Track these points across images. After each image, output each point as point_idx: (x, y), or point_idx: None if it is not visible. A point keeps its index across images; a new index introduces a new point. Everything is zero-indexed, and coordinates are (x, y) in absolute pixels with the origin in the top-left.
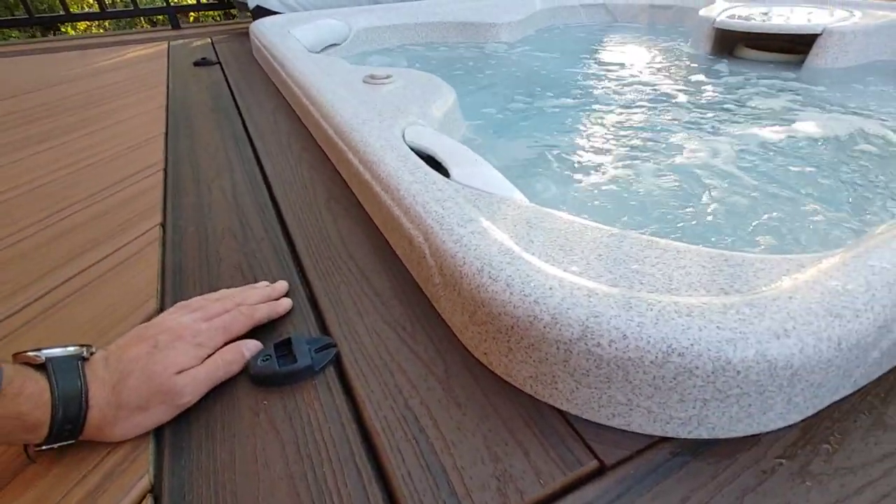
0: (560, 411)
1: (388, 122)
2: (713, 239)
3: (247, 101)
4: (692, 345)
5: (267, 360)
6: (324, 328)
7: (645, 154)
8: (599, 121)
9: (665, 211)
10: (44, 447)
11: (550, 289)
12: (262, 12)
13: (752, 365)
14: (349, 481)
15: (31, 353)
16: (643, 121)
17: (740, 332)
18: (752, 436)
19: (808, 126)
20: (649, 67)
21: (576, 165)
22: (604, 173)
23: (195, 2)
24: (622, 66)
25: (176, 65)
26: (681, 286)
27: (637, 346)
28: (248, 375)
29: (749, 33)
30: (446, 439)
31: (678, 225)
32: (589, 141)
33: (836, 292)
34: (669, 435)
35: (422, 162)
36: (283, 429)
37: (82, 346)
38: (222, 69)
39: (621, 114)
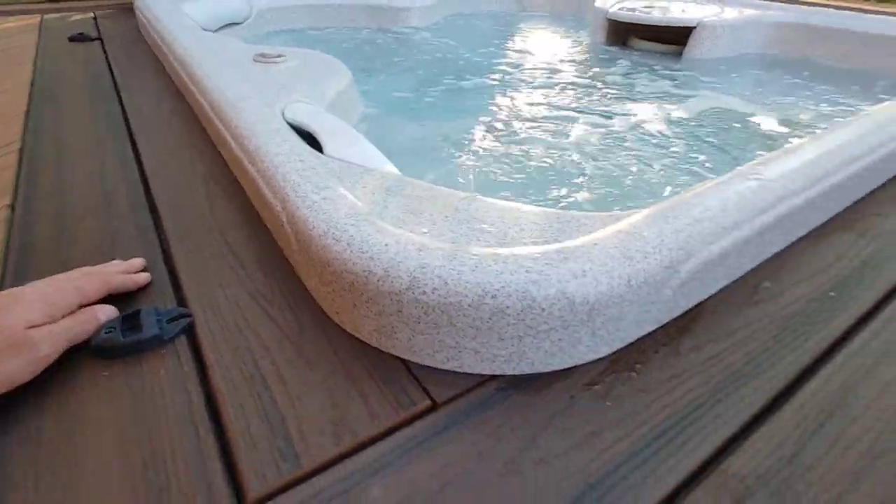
0: (403, 360)
1: (269, 99)
2: (584, 202)
3: (127, 81)
4: (502, 287)
5: (111, 331)
6: (182, 301)
7: (537, 133)
8: (500, 103)
9: (547, 180)
10: None
11: (385, 245)
12: None
13: (553, 302)
14: (185, 438)
15: None
16: (538, 103)
17: (545, 274)
18: (567, 368)
19: (679, 105)
20: (550, 55)
21: (474, 145)
22: (498, 150)
23: None
24: (525, 53)
25: (48, 40)
26: (513, 241)
27: (456, 292)
28: (90, 347)
29: (639, 25)
30: (290, 394)
31: (554, 192)
32: (487, 121)
33: (632, 238)
34: (497, 373)
35: (293, 136)
36: (122, 397)
37: None
38: (103, 46)
39: (520, 97)
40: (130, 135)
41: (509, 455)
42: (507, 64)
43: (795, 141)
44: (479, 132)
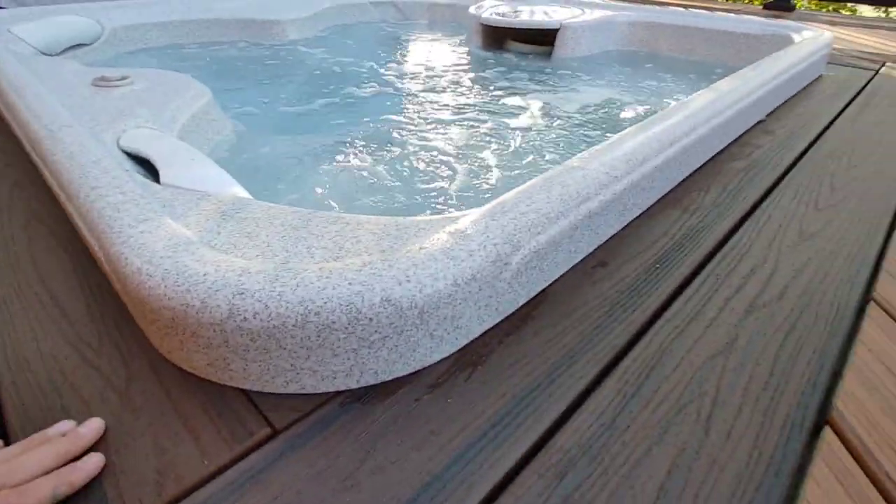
0: (242, 390)
1: (99, 127)
2: (454, 202)
3: None
4: (326, 303)
5: None
6: None
7: (413, 139)
8: (379, 113)
9: (420, 184)
10: None
11: (204, 274)
12: None
13: (380, 310)
14: None
15: None
16: (418, 110)
17: (368, 284)
18: (413, 373)
19: (549, 100)
20: (430, 61)
21: (349, 157)
22: (373, 159)
23: None
24: (406, 61)
25: None
26: (347, 254)
27: (278, 314)
28: None
29: (512, 28)
30: (109, 450)
31: (424, 196)
32: (366, 132)
33: (457, 238)
34: (341, 388)
35: (117, 167)
36: None
37: None
38: None
39: (401, 105)
40: None
41: (347, 470)
42: (389, 73)
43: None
44: (355, 143)
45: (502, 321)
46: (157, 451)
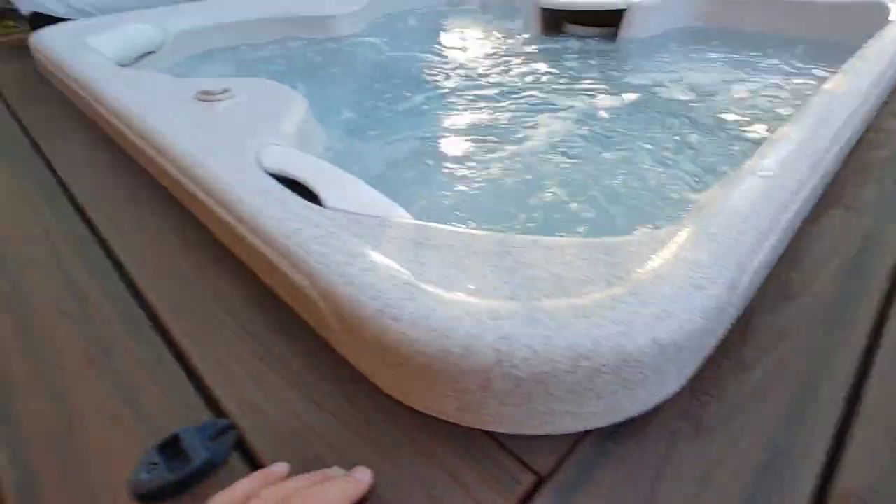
0: (489, 433)
1: (236, 146)
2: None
3: (49, 138)
4: (595, 346)
5: (153, 467)
6: (216, 408)
7: (498, 139)
8: (452, 110)
9: (525, 186)
10: None
11: (458, 319)
12: (41, 20)
13: (646, 351)
14: None
15: None
16: (492, 106)
17: (631, 323)
18: (654, 407)
19: (625, 89)
20: (490, 51)
21: (439, 160)
22: (465, 164)
23: None
24: (465, 50)
25: None
26: (571, 284)
27: (549, 360)
28: (131, 495)
29: (573, 10)
30: (381, 498)
31: (538, 198)
32: (445, 132)
33: (694, 265)
34: (590, 428)
35: (288, 193)
36: None
37: None
38: (3, 99)
39: (471, 101)
40: (77, 206)
41: None
42: (450, 64)
43: (737, 109)
44: (444, 144)
45: (717, 345)
46: (430, 499)
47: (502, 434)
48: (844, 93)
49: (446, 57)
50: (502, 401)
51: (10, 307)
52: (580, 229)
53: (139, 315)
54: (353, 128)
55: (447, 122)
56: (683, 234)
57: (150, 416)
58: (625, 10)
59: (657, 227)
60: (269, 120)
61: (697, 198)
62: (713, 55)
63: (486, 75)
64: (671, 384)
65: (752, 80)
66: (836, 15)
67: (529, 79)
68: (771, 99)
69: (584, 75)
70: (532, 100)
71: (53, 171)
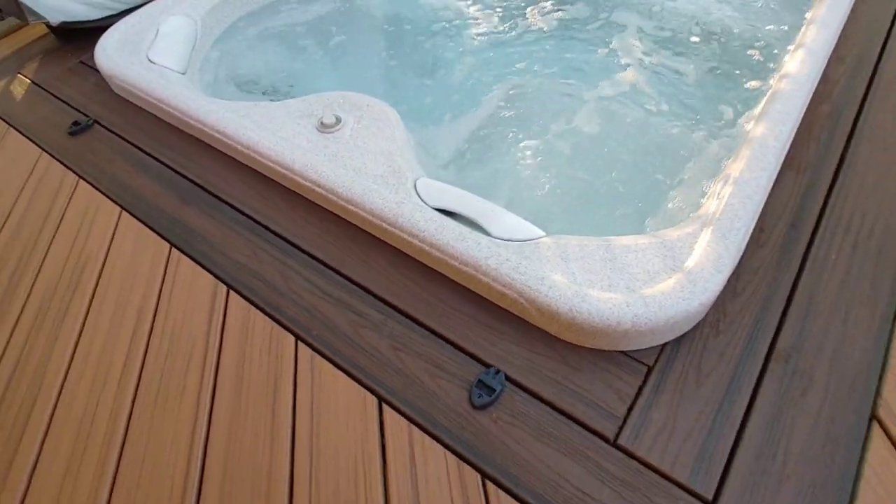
0: (621, 352)
1: (398, 182)
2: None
3: (214, 182)
4: (674, 312)
5: (481, 396)
6: (483, 362)
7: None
8: (482, 62)
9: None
10: None
11: (608, 307)
12: (67, 26)
13: (694, 309)
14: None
15: None
16: (507, 58)
17: (690, 298)
18: (693, 327)
19: (618, 12)
20: None
21: (495, 130)
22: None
23: None
24: None
25: (47, 144)
26: (654, 275)
27: (655, 322)
28: (473, 407)
29: None
30: (560, 384)
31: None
32: (488, 97)
33: (715, 258)
34: (666, 341)
35: (466, 230)
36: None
37: None
38: (124, 136)
39: (486, 48)
40: (283, 238)
41: (697, 378)
42: (462, 3)
43: None
44: (485, 108)
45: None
46: (607, 387)
47: (628, 350)
48: (805, 77)
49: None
50: (633, 338)
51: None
52: None
53: (385, 309)
54: (406, 103)
55: (479, 87)
56: (707, 235)
57: (454, 372)
58: None
59: (683, 227)
60: (387, 142)
61: (706, 204)
62: None
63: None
64: (702, 315)
65: None
66: None
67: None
68: None
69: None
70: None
71: (257, 222)
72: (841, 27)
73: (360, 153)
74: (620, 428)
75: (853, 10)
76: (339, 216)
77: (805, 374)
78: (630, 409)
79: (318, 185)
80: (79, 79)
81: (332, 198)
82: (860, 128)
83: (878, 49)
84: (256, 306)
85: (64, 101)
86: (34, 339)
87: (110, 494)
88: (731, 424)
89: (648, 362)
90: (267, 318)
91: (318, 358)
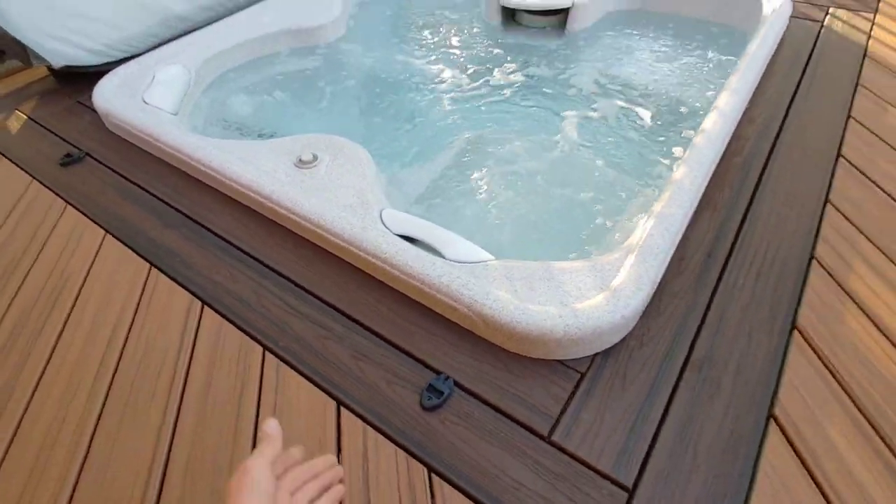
0: (557, 360)
1: (365, 212)
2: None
3: (199, 211)
4: (601, 322)
5: (430, 399)
6: (434, 370)
7: (488, 148)
8: (442, 108)
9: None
10: None
11: (545, 319)
12: (67, 69)
13: (620, 320)
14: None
15: None
16: (471, 111)
17: (613, 311)
18: (621, 340)
19: (573, 74)
20: (457, 45)
21: (461, 171)
22: (474, 175)
23: None
24: (437, 46)
25: (38, 173)
26: (585, 292)
27: (583, 331)
28: (423, 409)
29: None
30: (502, 388)
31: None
32: (456, 138)
33: (636, 278)
34: (598, 351)
35: (424, 253)
36: (463, 427)
37: None
38: (123, 170)
39: (458, 97)
40: (262, 263)
41: (622, 384)
42: (427, 61)
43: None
44: (451, 152)
45: (647, 304)
46: (546, 393)
47: (563, 360)
48: (717, 134)
49: (420, 52)
50: (566, 348)
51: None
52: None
53: (349, 323)
54: (375, 146)
55: (442, 131)
56: (631, 259)
57: (408, 379)
58: (569, 7)
59: (612, 253)
60: (356, 177)
61: (632, 235)
62: (637, 35)
63: (461, 71)
64: (629, 328)
65: (660, 59)
66: (726, 1)
67: (497, 75)
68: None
69: (538, 67)
70: (507, 93)
71: (235, 247)
72: (750, 94)
73: (333, 187)
74: (554, 426)
75: (764, 81)
76: (311, 242)
77: (714, 381)
78: (563, 411)
79: (293, 213)
80: (75, 117)
81: (305, 224)
82: (765, 178)
83: (783, 114)
84: (228, 320)
85: (58, 136)
86: (6, 353)
87: (70, 501)
88: (650, 423)
89: (581, 370)
90: (238, 330)
91: (284, 366)
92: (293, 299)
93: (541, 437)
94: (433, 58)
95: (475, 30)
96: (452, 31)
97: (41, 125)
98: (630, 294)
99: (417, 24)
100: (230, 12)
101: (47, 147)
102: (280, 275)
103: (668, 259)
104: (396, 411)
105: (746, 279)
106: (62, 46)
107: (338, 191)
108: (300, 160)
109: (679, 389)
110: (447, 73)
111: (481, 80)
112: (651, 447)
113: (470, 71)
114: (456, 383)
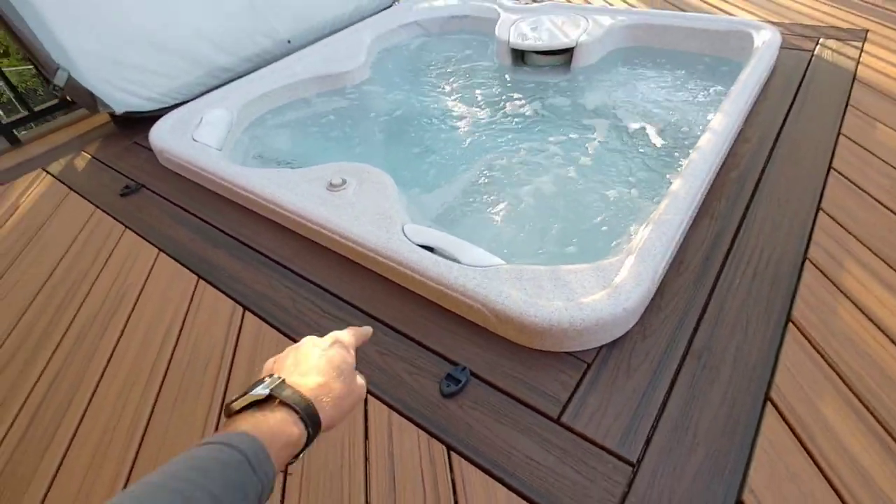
0: (567, 352)
1: (389, 226)
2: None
3: (242, 231)
4: (605, 315)
5: (449, 386)
6: (452, 362)
7: (503, 176)
8: (464, 143)
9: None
10: (299, 455)
11: (552, 312)
12: (128, 114)
13: (622, 313)
14: None
15: (253, 393)
16: (485, 142)
17: (615, 305)
18: (625, 333)
19: (580, 106)
20: (471, 83)
21: (477, 205)
22: (498, 192)
23: (26, 112)
24: (453, 86)
25: (101, 203)
26: (589, 289)
27: (588, 323)
28: (441, 393)
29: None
30: (515, 377)
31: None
32: (474, 167)
33: (637, 276)
34: (603, 343)
35: (442, 260)
36: (480, 411)
37: (267, 377)
38: (161, 195)
39: (476, 133)
40: (310, 281)
41: (627, 372)
42: (444, 99)
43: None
44: (466, 177)
45: (649, 303)
46: (554, 381)
47: (571, 351)
48: (710, 149)
49: (438, 90)
50: (573, 339)
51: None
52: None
53: (375, 323)
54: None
55: (463, 161)
56: (630, 260)
57: (428, 370)
58: (574, 47)
59: (614, 257)
60: (382, 199)
61: (633, 240)
62: (638, 70)
63: (473, 110)
64: (633, 322)
65: (662, 89)
66: (720, 38)
67: (507, 112)
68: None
69: (551, 102)
70: (512, 125)
71: (274, 261)
72: (743, 116)
73: (361, 206)
74: (563, 409)
75: (758, 105)
76: (341, 254)
77: (713, 368)
78: (571, 396)
79: (325, 229)
80: (132, 155)
81: (335, 237)
82: (760, 189)
83: (776, 133)
84: (267, 322)
85: (118, 171)
86: (75, 352)
87: (129, 475)
88: (653, 405)
89: (588, 360)
90: (276, 331)
91: None
92: (325, 304)
93: (550, 418)
94: (449, 96)
95: (487, 71)
96: (466, 72)
97: (103, 163)
98: (630, 289)
99: (434, 67)
100: (267, 63)
101: (108, 181)
102: (314, 283)
103: (667, 260)
104: (418, 398)
105: (743, 279)
106: (124, 95)
107: (364, 209)
108: (331, 184)
109: (680, 376)
110: (462, 109)
111: (494, 115)
112: (654, 427)
113: (483, 106)
114: (472, 373)
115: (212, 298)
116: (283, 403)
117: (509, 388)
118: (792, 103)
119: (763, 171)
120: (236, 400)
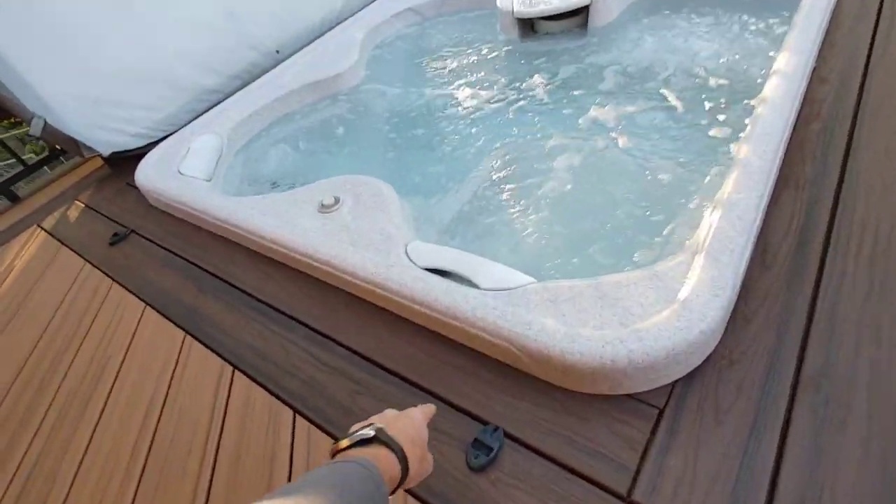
0: (625, 395)
1: (389, 249)
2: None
3: (228, 269)
4: (674, 344)
5: (478, 457)
6: (482, 420)
7: (521, 171)
8: (476, 135)
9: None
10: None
11: (602, 346)
12: (116, 154)
13: (698, 338)
14: None
15: (361, 433)
16: (499, 130)
17: (688, 328)
18: (706, 359)
19: (605, 70)
20: (477, 65)
21: (490, 193)
22: (516, 190)
23: (22, 167)
24: (457, 72)
25: (90, 255)
26: (648, 306)
27: (654, 359)
28: (471, 469)
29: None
30: (562, 435)
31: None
32: (489, 161)
33: (711, 283)
34: (675, 378)
35: (454, 285)
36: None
37: (368, 426)
38: (149, 239)
39: (485, 120)
40: (291, 317)
41: (715, 416)
42: (449, 88)
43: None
44: (480, 173)
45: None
46: (611, 433)
47: (633, 393)
48: (781, 99)
49: (444, 79)
50: (634, 378)
51: None
52: None
53: (380, 373)
54: (408, 186)
55: (474, 158)
56: (699, 260)
57: (450, 433)
58: (588, 5)
59: (675, 257)
60: (381, 218)
61: (697, 232)
62: (670, 17)
63: (481, 94)
64: (711, 346)
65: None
66: None
67: (517, 93)
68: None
69: (569, 74)
70: (535, 107)
71: (264, 303)
72: (815, 51)
73: (356, 227)
74: (634, 481)
75: (831, 33)
76: (335, 287)
77: (841, 402)
78: (643, 459)
79: (314, 260)
80: (123, 198)
81: (327, 269)
82: (857, 138)
83: (863, 66)
84: (258, 383)
85: (109, 218)
86: (58, 428)
87: None
88: (762, 468)
89: (658, 404)
90: (268, 393)
91: (314, 429)
92: (321, 352)
93: (618, 496)
94: (454, 85)
95: (493, 48)
96: (470, 54)
97: (94, 210)
98: (705, 302)
99: (435, 55)
100: (256, 77)
101: (99, 228)
102: (307, 326)
103: (748, 254)
104: (439, 474)
105: (857, 265)
106: (109, 135)
107: (361, 231)
108: (322, 205)
109: (794, 418)
110: (470, 97)
111: (505, 97)
112: (770, 500)
113: (493, 89)
114: (506, 434)
115: (198, 357)
116: (386, 445)
117: (557, 453)
118: (877, 23)
119: (855, 116)
120: (342, 439)
